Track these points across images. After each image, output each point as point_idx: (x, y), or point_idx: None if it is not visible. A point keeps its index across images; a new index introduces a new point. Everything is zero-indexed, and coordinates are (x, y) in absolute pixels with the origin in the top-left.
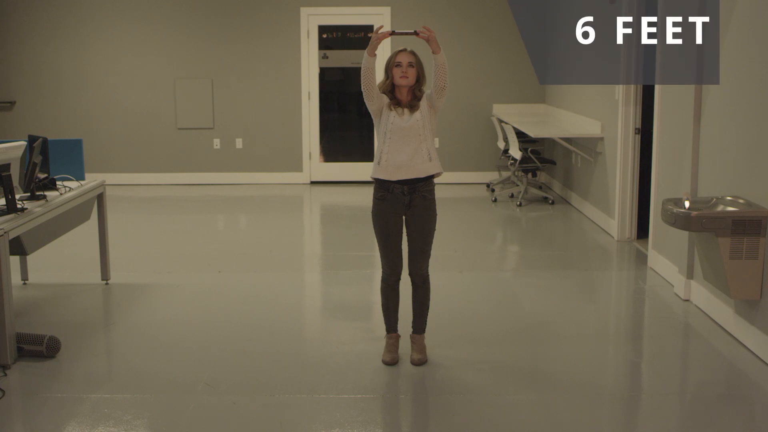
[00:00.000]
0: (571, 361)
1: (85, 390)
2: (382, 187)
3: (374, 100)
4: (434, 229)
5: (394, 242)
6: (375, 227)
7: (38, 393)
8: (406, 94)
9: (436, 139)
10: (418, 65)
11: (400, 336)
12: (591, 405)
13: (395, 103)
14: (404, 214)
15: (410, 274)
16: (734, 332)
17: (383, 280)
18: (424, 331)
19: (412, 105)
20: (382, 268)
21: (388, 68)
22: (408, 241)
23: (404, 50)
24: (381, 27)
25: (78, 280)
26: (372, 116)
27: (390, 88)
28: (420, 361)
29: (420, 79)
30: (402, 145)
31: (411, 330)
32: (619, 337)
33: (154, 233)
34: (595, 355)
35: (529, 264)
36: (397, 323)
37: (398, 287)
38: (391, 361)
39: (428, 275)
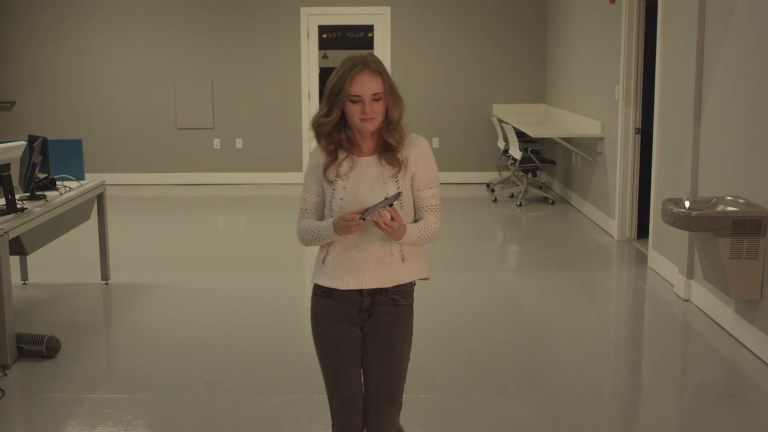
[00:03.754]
0: (571, 361)
1: (85, 390)
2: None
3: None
4: (408, 358)
5: (347, 367)
6: (316, 346)
7: (38, 393)
8: (368, 140)
9: (436, 139)
10: (387, 93)
11: None
12: (591, 405)
13: (341, 152)
14: (360, 324)
15: None
16: (734, 332)
17: None
18: None
19: (380, 154)
20: (332, 418)
21: (336, 98)
22: (364, 374)
23: (364, 67)
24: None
25: (78, 280)
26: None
27: (336, 127)
28: None
29: (390, 113)
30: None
31: None
32: (620, 337)
33: (154, 233)
34: (595, 355)
35: (529, 264)
36: None
37: None
38: None
39: None
